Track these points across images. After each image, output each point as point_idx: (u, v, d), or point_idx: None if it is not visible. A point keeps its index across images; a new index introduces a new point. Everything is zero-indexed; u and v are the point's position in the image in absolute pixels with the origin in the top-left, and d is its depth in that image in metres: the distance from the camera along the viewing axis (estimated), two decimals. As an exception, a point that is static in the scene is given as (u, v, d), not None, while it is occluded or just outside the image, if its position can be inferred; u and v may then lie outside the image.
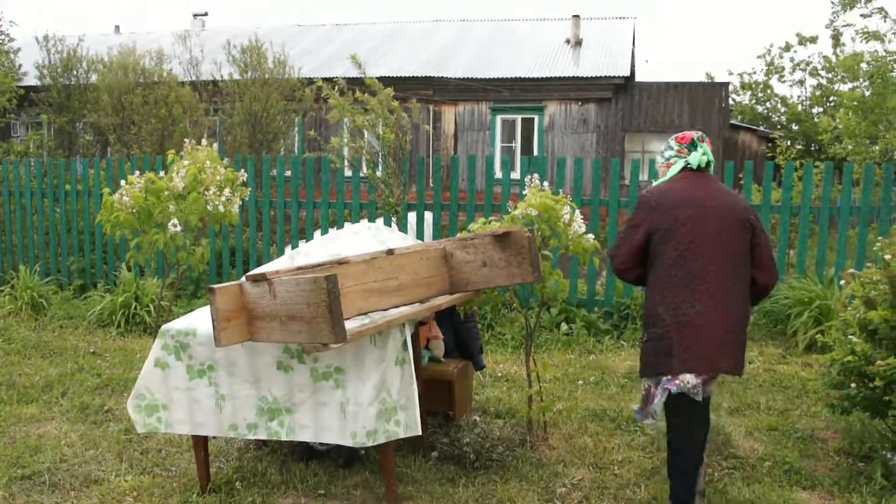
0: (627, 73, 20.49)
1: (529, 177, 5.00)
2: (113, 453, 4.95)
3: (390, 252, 4.36)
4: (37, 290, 9.13)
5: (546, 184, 4.98)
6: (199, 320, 4.17)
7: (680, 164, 4.14)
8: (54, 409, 5.83)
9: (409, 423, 3.88)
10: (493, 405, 5.80)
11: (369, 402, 3.81)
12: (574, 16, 23.44)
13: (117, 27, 30.02)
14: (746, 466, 4.64)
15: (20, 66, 18.92)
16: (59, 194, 10.05)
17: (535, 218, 4.75)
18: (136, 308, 8.44)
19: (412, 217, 8.94)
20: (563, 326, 7.91)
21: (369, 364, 3.84)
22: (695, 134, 4.21)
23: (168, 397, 4.13)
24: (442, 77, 20.99)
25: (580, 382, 6.42)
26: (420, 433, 3.90)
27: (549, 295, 4.92)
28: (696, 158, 4.11)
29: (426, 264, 4.57)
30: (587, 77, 20.53)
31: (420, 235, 8.59)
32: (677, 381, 3.81)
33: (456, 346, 5.49)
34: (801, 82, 30.74)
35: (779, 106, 30.70)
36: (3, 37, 18.95)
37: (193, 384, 4.07)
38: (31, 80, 18.77)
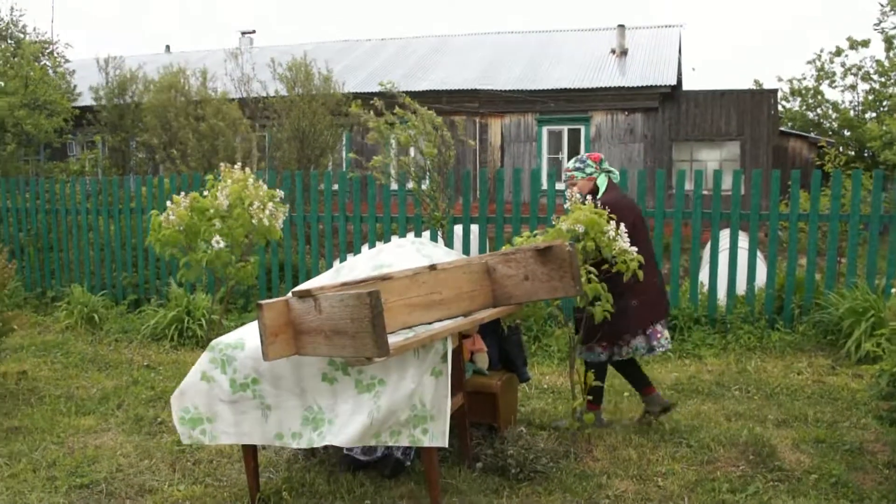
0: (674, 82, 20.40)
1: (570, 191, 5.04)
2: (166, 464, 5.09)
3: (433, 267, 4.44)
4: (92, 305, 9.39)
5: (590, 198, 5.01)
6: (248, 334, 4.29)
7: (605, 178, 5.51)
8: (110, 420, 6.01)
9: (435, 434, 3.96)
10: (538, 417, 5.84)
11: (400, 409, 3.90)
12: (619, 25, 23.41)
13: (168, 47, 30.68)
14: (792, 479, 4.61)
15: (75, 86, 19.45)
16: (112, 212, 10.32)
17: (582, 234, 4.79)
18: (188, 322, 8.63)
19: (458, 230, 9.01)
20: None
21: (409, 375, 3.92)
22: (600, 155, 5.63)
23: (212, 410, 4.21)
24: (488, 89, 21.09)
25: (626, 394, 6.42)
26: (445, 445, 3.97)
27: (597, 320, 4.95)
28: (614, 173, 5.60)
29: (469, 278, 4.64)
30: (633, 87, 20.49)
31: (466, 249, 8.65)
32: (659, 336, 5.42)
33: (500, 359, 5.54)
34: (853, 87, 30.30)
35: (830, 112, 30.27)
36: (59, 59, 19.51)
37: (237, 397, 4.16)
38: (86, 101, 19.29)
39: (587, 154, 5.60)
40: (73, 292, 9.63)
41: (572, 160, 5.64)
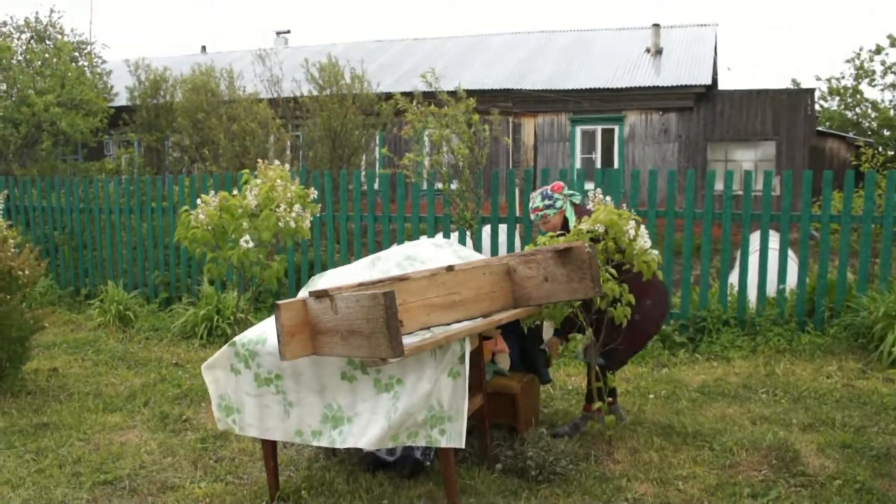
0: (709, 82, 20.19)
1: (593, 192, 5.01)
2: (189, 461, 5.14)
3: (450, 268, 4.44)
4: (124, 303, 9.51)
5: (609, 198, 4.98)
6: (269, 330, 4.32)
7: (569, 205, 5.40)
8: (136, 417, 6.08)
9: (452, 435, 3.96)
10: (560, 418, 5.81)
11: (417, 409, 3.90)
12: (654, 24, 23.22)
13: (204, 47, 30.97)
14: (815, 485, 4.54)
15: (112, 86, 19.69)
16: (145, 211, 10.43)
17: (602, 234, 4.76)
18: (217, 321, 8.70)
19: (487, 230, 8.99)
20: (638, 339, 7.84)
21: (427, 376, 3.92)
22: (561, 183, 5.50)
23: (240, 401, 4.30)
24: (521, 89, 21.03)
25: (651, 396, 6.37)
26: (462, 446, 3.97)
27: (617, 321, 4.92)
28: (575, 195, 5.48)
29: (489, 279, 4.64)
30: (668, 86, 20.31)
31: (495, 249, 8.63)
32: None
33: (521, 360, 5.52)
34: (894, 86, 29.78)
35: (869, 111, 29.79)
36: (96, 59, 19.77)
37: (262, 391, 4.23)
38: (122, 101, 19.53)
39: (549, 187, 5.48)
40: (107, 290, 9.75)
41: (538, 197, 5.47)
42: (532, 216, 5.51)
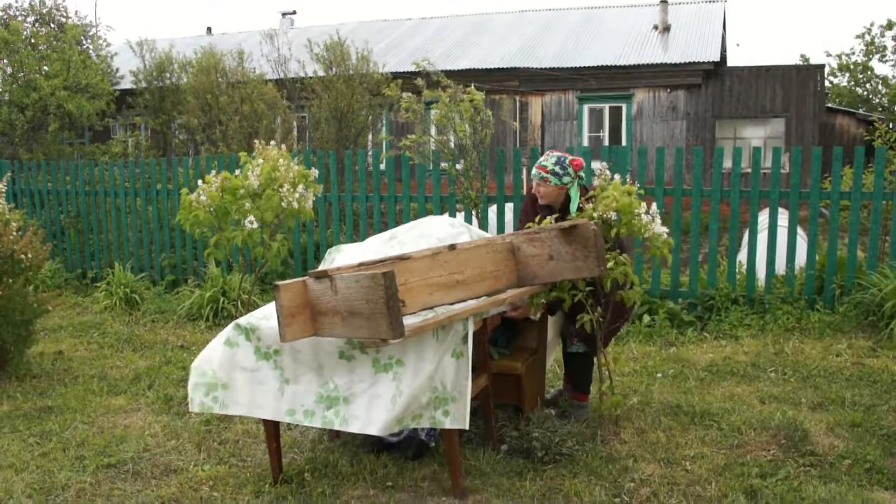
0: (717, 58, 20.03)
1: (598, 169, 4.93)
2: (193, 444, 5.12)
3: (453, 247, 4.38)
4: (131, 286, 9.49)
5: (617, 176, 4.90)
6: (272, 311, 4.26)
7: (576, 186, 5.06)
8: (141, 400, 6.06)
9: (456, 416, 3.92)
10: (566, 399, 5.75)
11: (421, 392, 3.86)
12: (662, 1, 23.03)
13: (209, 28, 30.90)
14: (824, 464, 4.49)
15: (117, 69, 19.61)
16: (151, 193, 10.39)
17: (615, 222, 4.65)
18: (223, 302, 8.68)
19: (494, 210, 8.93)
20: (646, 318, 7.79)
21: (428, 357, 3.88)
22: (583, 162, 5.13)
23: (230, 376, 4.19)
24: (528, 67, 20.89)
25: (658, 375, 6.32)
26: (466, 427, 3.94)
27: (628, 304, 4.87)
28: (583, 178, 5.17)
29: (492, 258, 4.57)
30: (676, 63, 20.17)
31: (501, 228, 8.57)
32: None
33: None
34: (905, 62, 29.53)
35: (879, 87, 29.54)
36: (101, 42, 19.68)
37: (259, 365, 4.15)
38: (128, 84, 19.46)
39: (571, 158, 5.05)
40: (113, 273, 9.73)
41: (552, 158, 5.04)
42: (534, 171, 5.09)
